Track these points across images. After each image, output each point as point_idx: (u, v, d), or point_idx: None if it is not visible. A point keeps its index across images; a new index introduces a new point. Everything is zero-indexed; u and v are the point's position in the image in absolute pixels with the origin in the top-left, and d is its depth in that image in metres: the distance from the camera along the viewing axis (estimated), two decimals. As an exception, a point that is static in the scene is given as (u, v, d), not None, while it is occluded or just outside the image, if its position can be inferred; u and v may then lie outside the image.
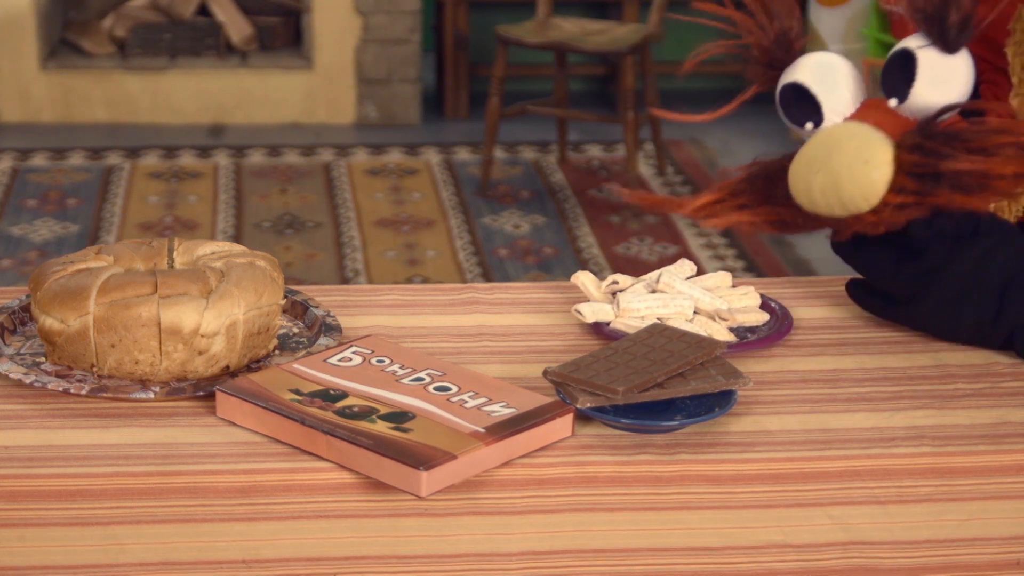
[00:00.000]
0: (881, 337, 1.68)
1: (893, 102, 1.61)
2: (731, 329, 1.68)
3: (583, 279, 1.75)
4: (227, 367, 1.55)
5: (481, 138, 5.42)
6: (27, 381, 1.49)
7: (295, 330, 1.67)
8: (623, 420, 1.45)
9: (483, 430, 1.40)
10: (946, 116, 1.59)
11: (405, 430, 1.39)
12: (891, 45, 5.34)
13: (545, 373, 1.49)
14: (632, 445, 1.44)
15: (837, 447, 1.44)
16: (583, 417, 1.47)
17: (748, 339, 1.66)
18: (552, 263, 4.51)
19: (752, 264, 4.40)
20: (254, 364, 1.57)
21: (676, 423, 1.45)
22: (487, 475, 1.39)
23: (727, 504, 1.42)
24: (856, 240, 1.64)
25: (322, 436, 1.39)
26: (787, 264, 4.38)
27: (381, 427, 1.40)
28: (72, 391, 1.48)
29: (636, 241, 4.60)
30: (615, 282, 1.72)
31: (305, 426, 1.40)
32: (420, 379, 1.50)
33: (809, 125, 1.66)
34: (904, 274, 1.63)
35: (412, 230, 4.76)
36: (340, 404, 1.44)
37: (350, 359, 1.54)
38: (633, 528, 1.41)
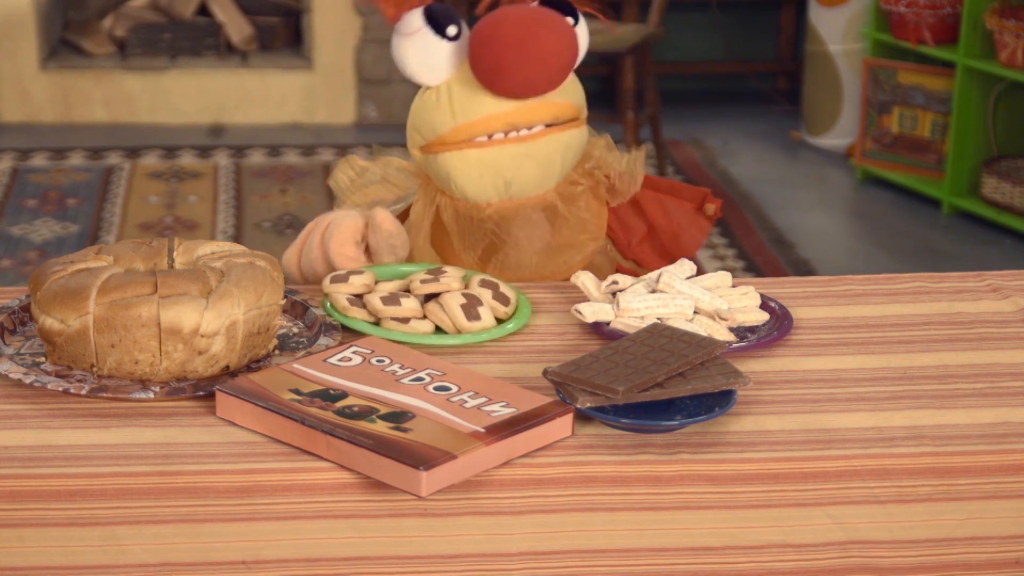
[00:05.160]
0: (881, 337, 1.68)
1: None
2: (731, 329, 1.68)
3: (583, 279, 1.75)
4: (227, 367, 1.54)
5: (481, 138, 5.41)
6: (27, 381, 1.49)
7: (295, 330, 1.67)
8: (623, 420, 1.45)
9: (483, 430, 1.40)
10: None
11: (405, 430, 1.39)
12: (891, 45, 5.31)
13: (545, 373, 1.49)
14: (632, 445, 1.44)
15: (837, 447, 1.44)
16: (583, 417, 1.47)
17: (748, 339, 1.66)
18: (552, 263, 4.51)
19: (752, 264, 4.40)
20: (254, 364, 1.57)
21: (676, 423, 1.45)
22: (487, 475, 1.39)
23: (727, 504, 1.42)
24: None
25: (322, 436, 1.39)
26: (787, 264, 4.38)
27: (381, 427, 1.40)
28: (72, 391, 1.48)
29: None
30: (615, 282, 1.72)
31: (305, 426, 1.40)
32: (420, 379, 1.50)
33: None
34: None
35: (412, 230, 4.76)
36: (340, 404, 1.44)
37: (350, 359, 1.54)
38: (633, 528, 1.41)
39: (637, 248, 2.02)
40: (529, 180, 1.85)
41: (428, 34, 1.81)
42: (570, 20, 1.85)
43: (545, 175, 1.86)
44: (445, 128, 1.82)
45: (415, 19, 1.81)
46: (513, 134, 1.82)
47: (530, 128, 1.82)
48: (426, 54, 1.82)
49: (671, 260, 1.94)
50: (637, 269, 2.02)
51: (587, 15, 1.90)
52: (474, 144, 1.82)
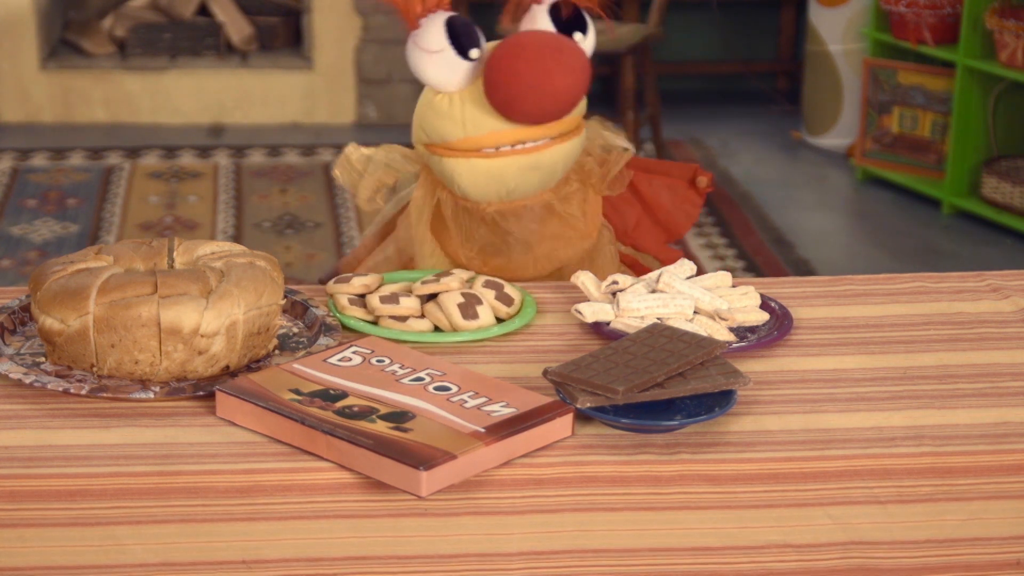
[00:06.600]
0: (881, 337, 1.68)
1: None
2: (731, 329, 1.68)
3: (583, 279, 1.75)
4: (227, 367, 1.54)
5: (481, 138, 5.40)
6: (27, 381, 1.49)
7: (295, 330, 1.67)
8: (623, 420, 1.45)
9: (483, 430, 1.40)
10: None
11: (405, 430, 1.39)
12: (891, 45, 5.30)
13: (545, 373, 1.49)
14: (632, 445, 1.44)
15: (837, 447, 1.44)
16: (583, 417, 1.47)
17: (748, 339, 1.66)
18: (552, 263, 4.50)
19: (752, 264, 4.40)
20: (254, 364, 1.57)
21: (676, 423, 1.45)
22: (487, 475, 1.39)
23: (727, 504, 1.42)
24: None
25: (322, 436, 1.39)
26: (787, 264, 4.38)
27: (381, 427, 1.40)
28: (72, 391, 1.48)
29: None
30: (615, 282, 1.72)
31: (305, 426, 1.40)
32: (420, 379, 1.50)
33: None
34: None
35: (412, 230, 4.75)
36: (340, 404, 1.44)
37: (350, 359, 1.54)
38: (633, 528, 1.41)
39: (633, 233, 2.05)
40: (531, 187, 1.90)
41: (451, 54, 1.83)
42: (579, 35, 1.88)
43: (547, 181, 1.91)
44: (453, 137, 1.86)
45: (438, 36, 1.84)
46: (520, 146, 1.85)
47: (536, 140, 1.86)
48: (446, 70, 1.85)
49: (667, 240, 1.99)
50: (635, 255, 2.04)
51: (594, 16, 1.92)
52: (481, 154, 1.86)
